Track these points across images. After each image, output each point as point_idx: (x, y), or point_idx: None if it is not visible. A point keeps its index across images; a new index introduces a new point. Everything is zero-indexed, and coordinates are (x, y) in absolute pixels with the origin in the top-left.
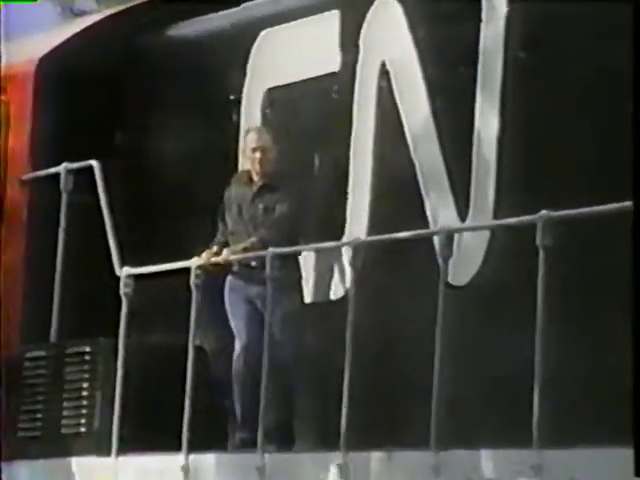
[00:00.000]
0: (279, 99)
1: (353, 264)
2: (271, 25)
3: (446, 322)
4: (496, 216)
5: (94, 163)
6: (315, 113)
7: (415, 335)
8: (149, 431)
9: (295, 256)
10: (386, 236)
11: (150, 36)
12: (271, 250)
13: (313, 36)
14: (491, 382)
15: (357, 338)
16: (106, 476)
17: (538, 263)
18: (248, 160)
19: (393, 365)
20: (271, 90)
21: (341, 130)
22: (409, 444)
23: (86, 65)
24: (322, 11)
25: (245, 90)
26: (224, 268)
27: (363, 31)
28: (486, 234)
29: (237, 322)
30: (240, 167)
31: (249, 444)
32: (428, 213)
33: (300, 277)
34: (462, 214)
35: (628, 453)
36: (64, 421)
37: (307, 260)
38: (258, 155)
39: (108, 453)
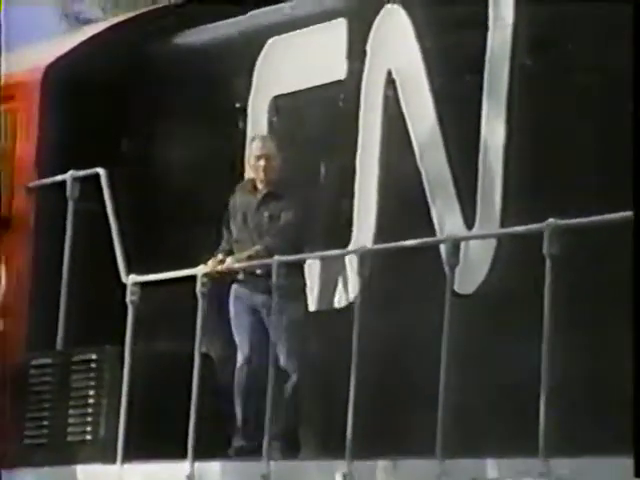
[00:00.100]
0: (285, 107)
1: (360, 272)
2: (278, 33)
3: (452, 330)
4: (503, 224)
5: (100, 171)
6: (321, 121)
7: (421, 343)
8: (155, 439)
9: (300, 264)
10: (392, 244)
11: (157, 44)
12: (277, 258)
13: (320, 44)
14: (497, 390)
15: (363, 346)
16: None
17: (545, 271)
18: (253, 168)
19: (399, 373)
20: (277, 98)
21: (347, 138)
22: (414, 452)
23: (93, 73)
24: (329, 19)
25: (251, 98)
26: (230, 276)
27: (370, 39)
28: (493, 242)
29: (240, 333)
30: (246, 175)
31: (246, 453)
32: (434, 221)
33: (304, 285)
34: (469, 222)
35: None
36: (70, 428)
37: (312, 268)
38: (262, 163)
39: (114, 461)
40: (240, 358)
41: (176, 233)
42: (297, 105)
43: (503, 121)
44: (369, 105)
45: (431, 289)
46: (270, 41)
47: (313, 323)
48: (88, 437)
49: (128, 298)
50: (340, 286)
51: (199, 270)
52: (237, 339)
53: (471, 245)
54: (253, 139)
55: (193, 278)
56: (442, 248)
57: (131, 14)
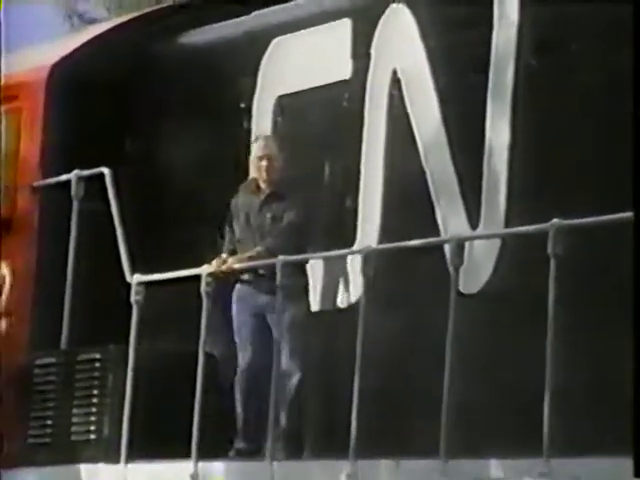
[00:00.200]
0: (290, 107)
1: (364, 272)
2: (283, 33)
3: (457, 330)
4: (507, 224)
5: (105, 170)
6: (326, 121)
7: (425, 343)
8: (158, 438)
9: (302, 264)
10: (397, 244)
11: (161, 44)
12: (282, 258)
13: (324, 44)
14: (501, 390)
15: (367, 346)
16: None
17: (549, 272)
18: (255, 168)
19: (403, 373)
20: (282, 98)
21: (352, 138)
22: (418, 452)
23: (97, 72)
24: (334, 19)
25: (256, 98)
26: (234, 276)
27: (374, 39)
28: (497, 242)
29: (241, 337)
30: (251, 175)
31: (246, 454)
32: (439, 221)
33: (307, 285)
34: (473, 222)
35: None
36: (74, 428)
37: (314, 268)
38: (265, 163)
39: (117, 460)
40: (241, 361)
41: (180, 233)
42: (302, 105)
43: (508, 121)
44: (374, 105)
45: (435, 289)
46: (275, 41)
47: (316, 323)
48: (92, 436)
49: (132, 298)
50: (342, 287)
51: (203, 270)
52: (237, 341)
53: (475, 245)
54: (256, 139)
55: (197, 278)
56: (446, 248)
57: (136, 14)
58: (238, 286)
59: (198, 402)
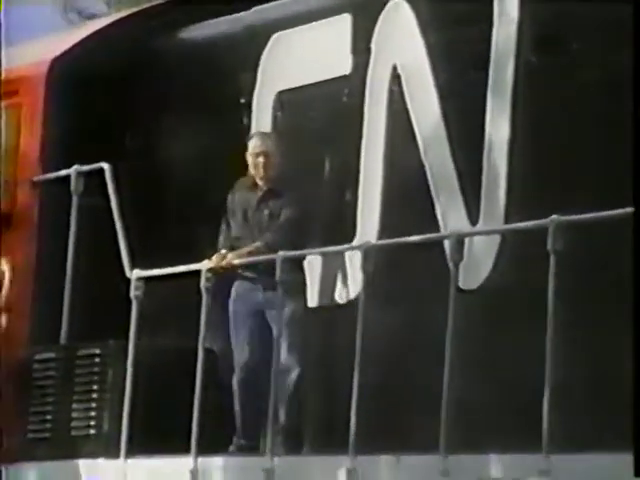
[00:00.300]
0: (290, 102)
1: (364, 268)
2: (283, 28)
3: (456, 326)
4: (507, 220)
5: (105, 165)
6: (326, 116)
7: (425, 339)
8: (158, 433)
9: (300, 260)
10: (396, 240)
11: (161, 39)
12: (282, 253)
13: (324, 39)
14: (500, 386)
15: (366, 342)
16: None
17: (549, 267)
18: (252, 165)
19: (402, 369)
20: (282, 93)
21: (352, 134)
22: (418, 448)
23: (97, 67)
24: (334, 14)
25: (256, 93)
26: (233, 272)
27: (375, 34)
28: (497, 238)
29: (239, 333)
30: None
31: (245, 450)
32: (439, 217)
33: (304, 281)
34: (473, 218)
35: None
36: (73, 423)
37: (312, 264)
38: (261, 160)
39: (117, 455)
40: (238, 358)
41: (180, 228)
42: (302, 100)
43: (508, 117)
44: (374, 100)
45: (435, 285)
46: (275, 36)
47: (315, 319)
48: (92, 432)
49: (132, 293)
50: (340, 282)
51: (203, 265)
52: (233, 338)
53: (475, 241)
54: (251, 136)
55: (197, 273)
56: (446, 244)
57: (135, 9)
58: (236, 283)
59: (198, 397)
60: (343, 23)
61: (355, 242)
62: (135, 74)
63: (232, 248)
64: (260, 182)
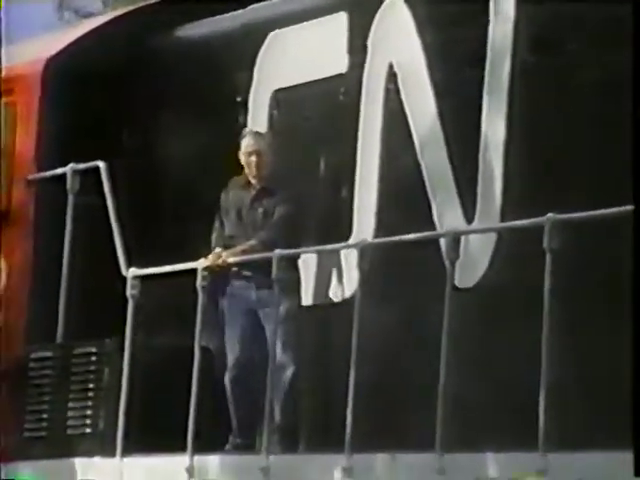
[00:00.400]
0: (286, 101)
1: (360, 266)
2: (279, 27)
3: (452, 324)
4: (503, 218)
5: (100, 164)
6: (322, 115)
7: (421, 337)
8: (154, 432)
9: (294, 258)
10: (393, 238)
11: (157, 37)
12: (278, 252)
13: (321, 38)
14: (496, 384)
15: (362, 340)
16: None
17: (545, 266)
18: (245, 164)
19: (398, 367)
20: (278, 92)
21: (348, 132)
22: (414, 446)
23: (93, 66)
24: (330, 13)
25: (252, 91)
26: (229, 270)
27: (371, 33)
28: (493, 237)
29: (231, 335)
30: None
31: (242, 449)
32: (435, 215)
33: (299, 279)
34: (469, 216)
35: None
36: (69, 422)
37: (306, 262)
38: (254, 159)
39: (113, 454)
40: (230, 357)
41: (176, 226)
42: (298, 99)
43: (504, 115)
44: (370, 99)
45: (431, 283)
46: (271, 34)
47: (310, 317)
48: (88, 430)
49: (128, 291)
50: (335, 281)
51: (199, 264)
52: (226, 337)
53: (471, 239)
54: (243, 135)
55: (193, 272)
56: (442, 242)
57: (131, 7)
58: (230, 281)
59: (194, 396)
60: (339, 21)
61: (351, 240)
62: (131, 72)
63: (226, 247)
64: (253, 181)
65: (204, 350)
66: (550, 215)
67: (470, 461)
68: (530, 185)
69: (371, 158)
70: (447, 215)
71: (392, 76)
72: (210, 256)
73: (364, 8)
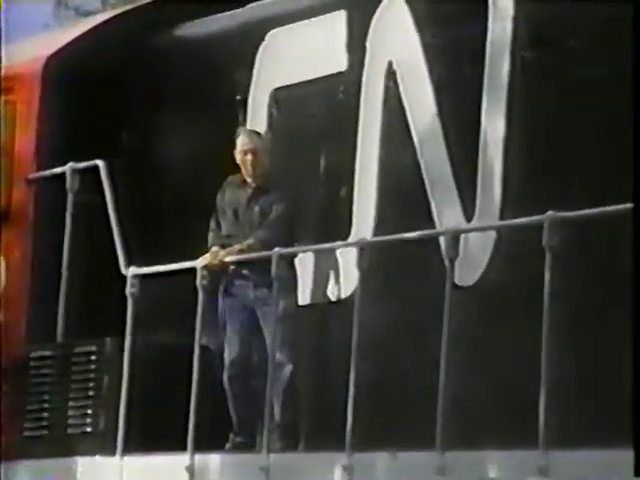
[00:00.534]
0: (286, 99)
1: (359, 265)
2: (278, 25)
3: (452, 323)
4: (502, 217)
5: (100, 163)
6: (322, 113)
7: (421, 336)
8: (155, 431)
9: (291, 257)
10: (392, 237)
11: (157, 36)
12: (277, 250)
13: (320, 36)
14: (497, 383)
15: (362, 338)
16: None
17: (544, 264)
18: (240, 163)
19: (398, 365)
20: (278, 90)
21: (347, 130)
22: (414, 445)
23: (93, 65)
24: (329, 11)
25: (251, 90)
26: (225, 269)
27: (370, 31)
28: (492, 235)
29: (230, 334)
30: None
31: (242, 448)
32: (434, 213)
33: (296, 277)
34: (468, 215)
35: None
36: (70, 421)
37: (303, 261)
38: (249, 157)
39: (113, 453)
40: (227, 356)
41: (176, 225)
42: (297, 97)
43: (503, 113)
44: (369, 97)
45: (431, 281)
46: (270, 33)
47: (309, 316)
48: (88, 429)
49: (128, 290)
50: (332, 280)
51: (199, 262)
52: (224, 335)
53: (471, 237)
54: (238, 134)
55: (193, 270)
56: (442, 240)
57: (130, 6)
58: (227, 280)
59: (194, 395)
60: (338, 20)
61: (350, 239)
62: (130, 71)
63: (223, 246)
64: (249, 179)
65: (204, 349)
66: (550, 213)
67: (471, 459)
68: (530, 183)
69: (370, 156)
70: (446, 213)
71: (391, 74)
72: (207, 255)
73: (363, 6)
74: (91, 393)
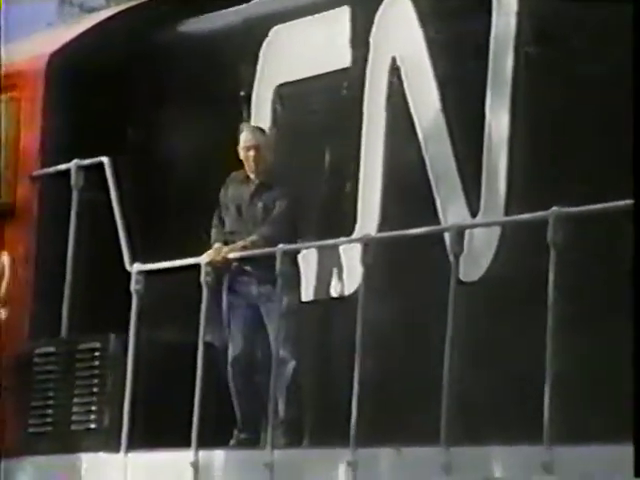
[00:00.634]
0: (290, 95)
1: (363, 261)
2: (282, 21)
3: (457, 318)
4: (507, 212)
5: (105, 159)
6: (325, 109)
7: (426, 331)
8: (159, 427)
9: (294, 253)
10: (396, 232)
11: (161, 32)
12: (281, 246)
13: (324, 32)
14: (502, 378)
15: (367, 334)
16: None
17: (549, 259)
18: (243, 159)
19: (403, 361)
20: (282, 86)
21: (351, 126)
22: (419, 440)
23: (97, 61)
24: (333, 7)
25: (255, 86)
26: (228, 266)
27: (374, 27)
28: (497, 230)
29: (234, 330)
30: None
31: (246, 444)
32: (439, 209)
33: (299, 274)
34: (473, 210)
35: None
36: (74, 417)
37: (306, 257)
38: (252, 153)
39: (118, 449)
40: (232, 354)
41: (181, 222)
42: (301, 93)
43: (507, 109)
44: (373, 93)
45: (436, 277)
46: (274, 29)
47: (313, 312)
48: (92, 426)
49: (132, 287)
50: (336, 276)
51: (203, 259)
52: (228, 332)
53: (475, 233)
54: (242, 130)
55: (197, 267)
56: (446, 236)
57: (134, 2)
58: (231, 276)
59: (198, 391)
60: (342, 16)
61: (355, 235)
62: (134, 68)
63: (226, 243)
64: (252, 175)
65: (208, 345)
66: (554, 209)
67: (475, 454)
68: (534, 179)
69: (375, 152)
70: (451, 209)
71: (395, 70)
72: (210, 251)
73: (366, 2)
74: (95, 389)
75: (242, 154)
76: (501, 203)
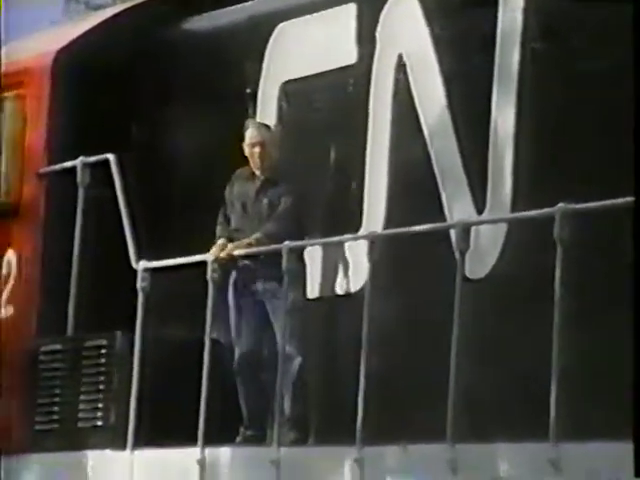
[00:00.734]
0: (295, 92)
1: (369, 258)
2: (288, 18)
3: (463, 315)
4: (513, 209)
5: (111, 157)
6: (331, 106)
7: (432, 328)
8: (165, 424)
9: (300, 250)
10: (403, 229)
11: (167, 29)
12: (287, 243)
13: (330, 29)
14: (508, 375)
15: (373, 331)
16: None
17: (555, 256)
18: (249, 156)
19: (409, 358)
20: (287, 83)
21: (357, 123)
22: (425, 437)
23: (103, 58)
24: (339, 4)
25: (261, 83)
26: (234, 262)
27: (380, 24)
28: (503, 227)
29: (239, 327)
30: None
31: (253, 441)
32: (445, 206)
33: (304, 270)
34: (479, 207)
35: None
36: (80, 414)
37: (312, 254)
38: (257, 150)
39: (124, 447)
40: (238, 351)
41: (187, 219)
42: (307, 90)
43: (513, 105)
44: (379, 90)
45: (442, 274)
46: (280, 26)
47: (318, 309)
48: (99, 423)
49: (138, 284)
50: (342, 274)
51: (209, 256)
52: (233, 330)
53: (482, 230)
54: (247, 127)
55: (203, 264)
56: (452, 233)
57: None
58: (236, 273)
59: (204, 388)
60: (348, 12)
61: (361, 232)
62: (140, 65)
63: (231, 240)
64: (257, 172)
65: (214, 342)
66: (561, 205)
67: (481, 452)
68: (541, 175)
69: (381, 149)
70: (457, 206)
71: (401, 66)
72: (214, 248)
73: None
74: (101, 387)
75: (247, 151)
76: (507, 200)
